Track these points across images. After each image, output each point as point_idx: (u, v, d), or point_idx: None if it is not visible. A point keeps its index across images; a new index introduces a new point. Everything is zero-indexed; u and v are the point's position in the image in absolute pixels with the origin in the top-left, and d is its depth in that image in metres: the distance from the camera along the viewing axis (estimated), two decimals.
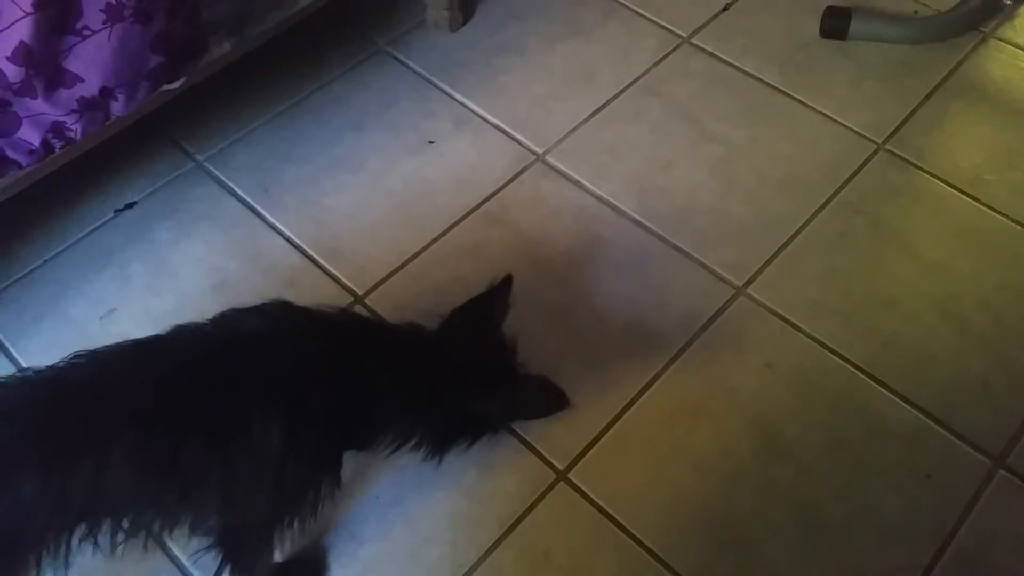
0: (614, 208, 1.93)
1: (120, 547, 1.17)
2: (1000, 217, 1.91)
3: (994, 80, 2.17)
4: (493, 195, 1.95)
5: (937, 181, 1.98)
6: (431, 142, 2.04)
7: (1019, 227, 1.90)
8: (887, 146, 2.03)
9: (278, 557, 1.42)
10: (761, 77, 2.17)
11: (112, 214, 1.95)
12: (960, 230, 1.90)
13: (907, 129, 2.07)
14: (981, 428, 1.63)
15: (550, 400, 1.56)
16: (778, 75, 2.17)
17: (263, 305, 1.27)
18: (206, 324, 1.23)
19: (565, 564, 1.48)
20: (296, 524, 1.29)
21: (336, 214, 1.91)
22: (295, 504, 1.26)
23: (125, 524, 1.15)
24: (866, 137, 2.05)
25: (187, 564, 1.47)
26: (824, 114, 2.09)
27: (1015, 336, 1.74)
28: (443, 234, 1.88)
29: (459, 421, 1.40)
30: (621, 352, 1.72)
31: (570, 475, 1.57)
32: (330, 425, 1.23)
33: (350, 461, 1.53)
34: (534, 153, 2.03)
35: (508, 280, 1.47)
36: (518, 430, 1.61)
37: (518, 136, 2.06)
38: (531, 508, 1.54)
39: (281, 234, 1.89)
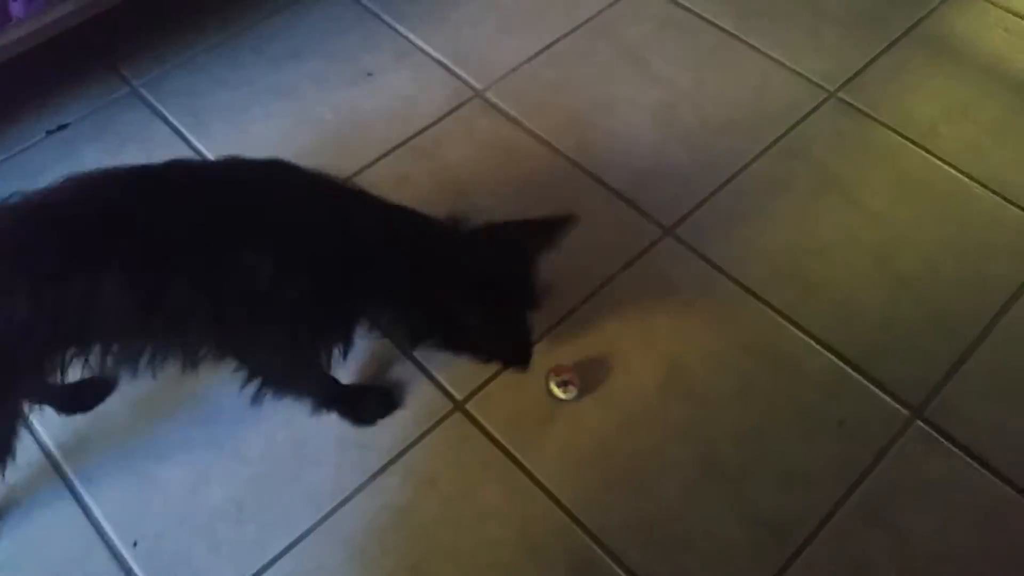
0: (550, 147, 1.88)
1: (111, 367, 1.18)
2: (949, 169, 1.84)
3: (959, 34, 2.09)
4: (426, 129, 1.91)
5: (888, 131, 1.91)
6: (369, 74, 2.00)
7: (967, 180, 1.82)
8: (839, 94, 1.96)
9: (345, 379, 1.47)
10: (716, 22, 2.10)
11: (43, 135, 1.92)
12: (906, 180, 1.83)
13: (863, 78, 2.00)
14: (903, 378, 1.56)
15: (514, 350, 1.42)
16: (734, 20, 2.10)
17: (272, 159, 1.23)
18: (214, 161, 1.21)
19: (450, 491, 1.44)
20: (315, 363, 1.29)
21: (261, 141, 1.87)
22: (292, 346, 1.26)
23: (115, 349, 1.16)
24: (818, 84, 1.98)
25: None
26: (777, 60, 2.03)
27: (950, 288, 1.68)
28: (369, 166, 1.84)
29: (440, 317, 1.30)
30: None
31: (467, 406, 1.53)
32: (322, 276, 1.19)
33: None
34: (473, 89, 1.98)
35: (569, 219, 1.35)
36: (419, 358, 1.57)
37: (459, 72, 2.01)
38: (423, 436, 1.50)
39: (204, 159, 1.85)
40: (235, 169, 1.23)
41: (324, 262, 1.19)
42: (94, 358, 1.16)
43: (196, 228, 1.12)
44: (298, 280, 1.17)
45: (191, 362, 1.23)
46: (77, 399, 1.50)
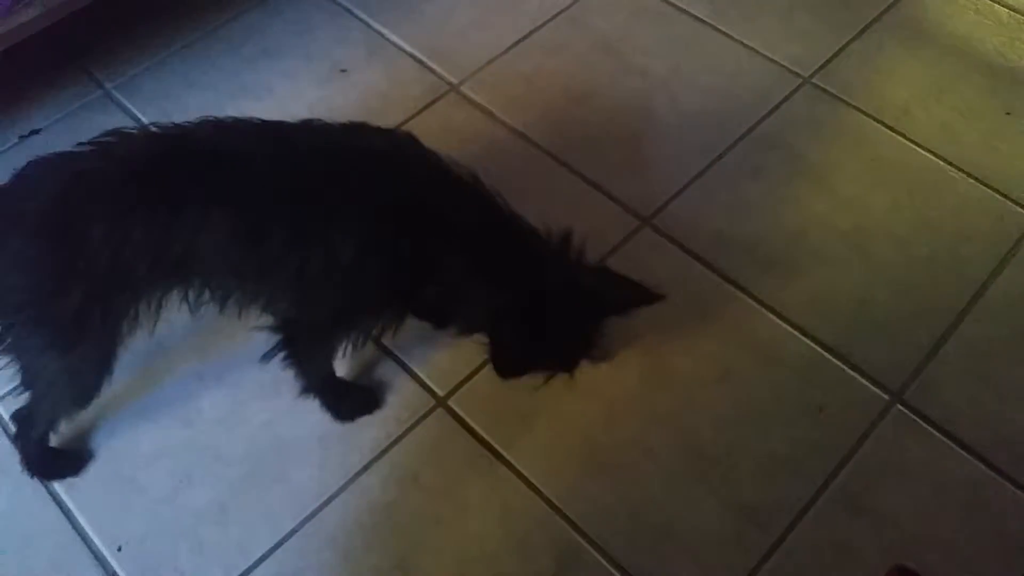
0: (526, 139, 1.88)
1: (202, 308, 1.26)
2: (923, 152, 1.85)
3: (930, 17, 2.10)
4: (401, 125, 1.90)
5: (862, 115, 1.91)
6: (343, 70, 2.00)
7: (942, 162, 1.83)
8: (813, 80, 1.97)
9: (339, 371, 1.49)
10: (689, 10, 2.10)
11: (16, 140, 1.91)
12: (880, 164, 1.84)
13: (836, 63, 2.01)
14: (881, 362, 1.57)
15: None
16: (707, 7, 2.10)
17: (394, 131, 1.31)
18: (337, 126, 1.26)
19: (434, 487, 1.44)
20: (355, 338, 1.34)
21: None
22: (354, 316, 1.31)
23: (212, 286, 1.23)
24: (791, 71, 1.98)
25: None
26: (750, 47, 2.03)
27: (925, 271, 1.69)
28: None
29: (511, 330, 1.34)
30: None
31: (449, 402, 1.53)
32: (401, 259, 1.24)
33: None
34: (449, 84, 1.98)
35: (656, 296, 1.36)
36: (401, 356, 1.57)
37: (433, 66, 2.01)
38: (406, 433, 1.50)
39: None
40: (359, 138, 1.27)
41: (407, 253, 1.24)
42: (192, 293, 1.24)
43: (301, 190, 1.20)
44: (375, 266, 1.23)
45: (270, 310, 1.31)
46: None
